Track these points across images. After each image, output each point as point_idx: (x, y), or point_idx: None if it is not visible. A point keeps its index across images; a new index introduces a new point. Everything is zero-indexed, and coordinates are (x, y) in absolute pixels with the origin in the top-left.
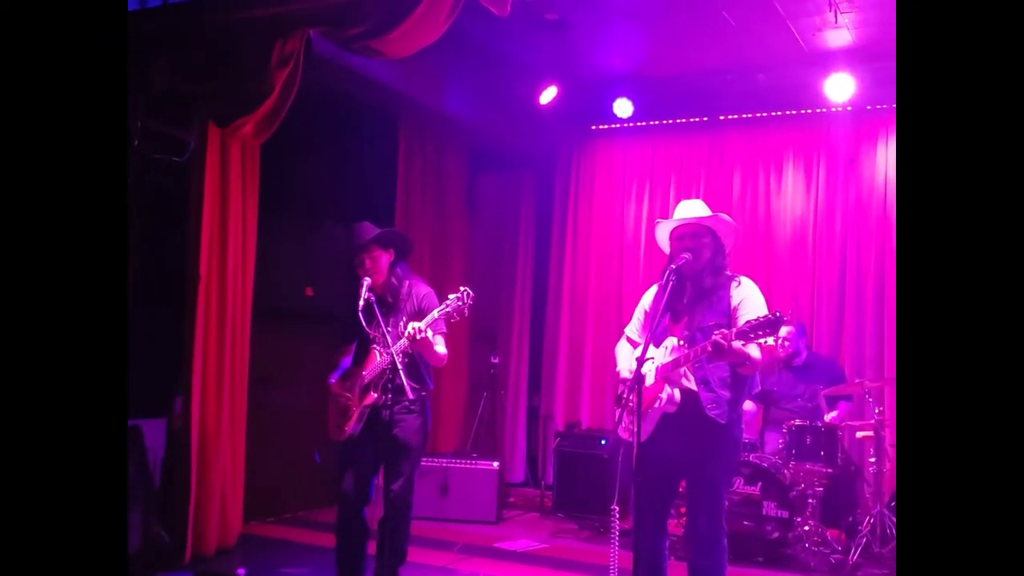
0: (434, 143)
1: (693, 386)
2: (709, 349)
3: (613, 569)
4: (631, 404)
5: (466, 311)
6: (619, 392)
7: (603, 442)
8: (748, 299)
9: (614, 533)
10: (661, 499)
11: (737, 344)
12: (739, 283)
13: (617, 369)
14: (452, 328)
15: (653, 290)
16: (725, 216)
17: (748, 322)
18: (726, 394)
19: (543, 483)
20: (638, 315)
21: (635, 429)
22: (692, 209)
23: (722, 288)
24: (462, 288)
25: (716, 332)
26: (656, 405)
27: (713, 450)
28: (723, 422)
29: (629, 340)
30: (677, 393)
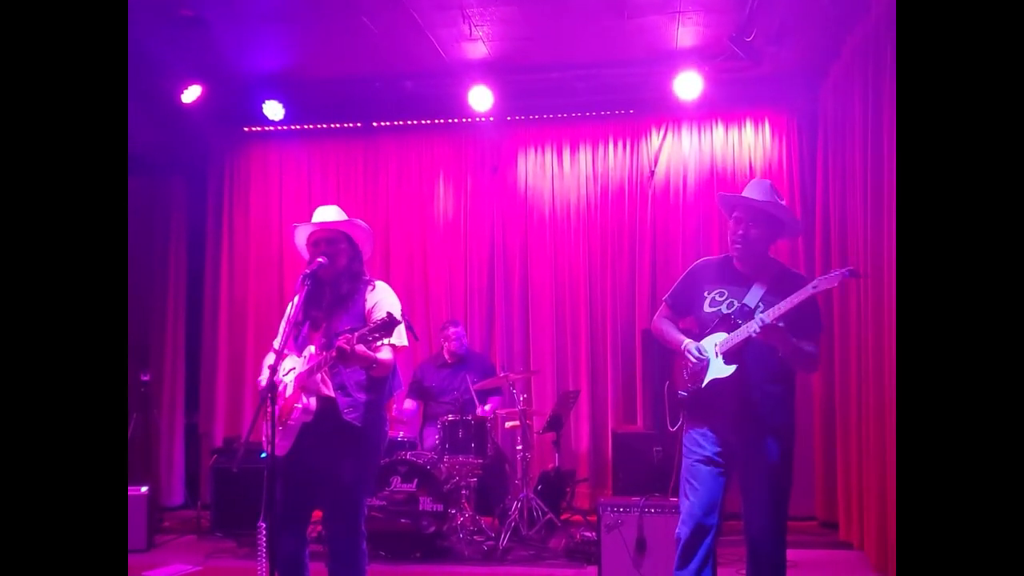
0: None
1: (331, 392)
2: (334, 355)
3: None
4: (268, 415)
5: None
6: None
7: (263, 455)
8: (381, 302)
9: (261, 549)
10: (301, 509)
11: (361, 348)
12: (374, 287)
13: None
14: None
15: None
16: (360, 222)
17: (367, 326)
18: (363, 397)
19: (200, 503)
20: (282, 324)
21: (274, 440)
22: (328, 215)
23: (358, 292)
24: None
25: (340, 338)
26: (294, 416)
27: (352, 455)
28: (360, 425)
29: (275, 351)
30: (313, 401)
